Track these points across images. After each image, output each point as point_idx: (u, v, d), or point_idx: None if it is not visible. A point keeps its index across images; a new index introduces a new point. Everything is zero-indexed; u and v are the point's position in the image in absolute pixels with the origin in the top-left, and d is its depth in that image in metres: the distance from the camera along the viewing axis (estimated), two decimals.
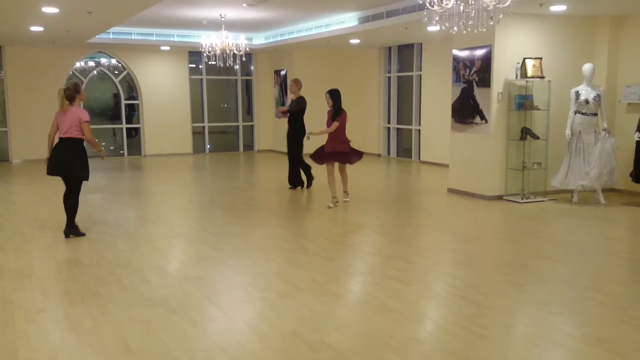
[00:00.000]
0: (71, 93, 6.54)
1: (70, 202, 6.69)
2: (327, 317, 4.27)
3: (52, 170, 6.62)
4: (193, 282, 5.11)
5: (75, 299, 4.70)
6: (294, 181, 10.16)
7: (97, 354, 3.69)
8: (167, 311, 4.40)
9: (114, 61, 15.61)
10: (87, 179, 6.69)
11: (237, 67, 16.73)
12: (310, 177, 10.13)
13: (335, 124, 8.31)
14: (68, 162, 6.54)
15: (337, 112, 8.42)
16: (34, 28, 10.97)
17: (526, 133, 8.77)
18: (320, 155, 8.54)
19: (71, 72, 15.12)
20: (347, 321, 4.23)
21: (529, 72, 8.54)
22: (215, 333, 4.01)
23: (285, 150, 10.36)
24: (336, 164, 8.60)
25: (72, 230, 6.76)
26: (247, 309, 4.50)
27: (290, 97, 10.38)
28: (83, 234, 6.81)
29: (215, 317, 4.29)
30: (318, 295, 4.74)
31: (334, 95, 8.50)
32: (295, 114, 9.87)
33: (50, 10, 8.85)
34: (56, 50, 14.49)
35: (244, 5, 10.13)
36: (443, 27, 5.86)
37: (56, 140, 6.64)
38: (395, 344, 3.76)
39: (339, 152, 8.42)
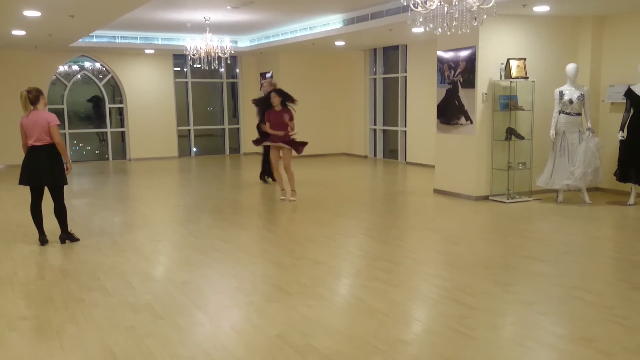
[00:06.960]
0: (36, 94, 6.38)
1: (60, 210, 6.58)
2: (313, 320, 4.24)
3: (26, 180, 6.45)
4: (178, 286, 5.07)
5: (59, 305, 4.64)
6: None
7: None
8: (152, 317, 4.35)
9: (97, 65, 15.49)
10: (67, 183, 6.60)
11: (222, 69, 16.68)
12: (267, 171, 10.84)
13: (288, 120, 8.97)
14: (47, 171, 6.37)
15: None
16: (15, 32, 10.85)
17: (511, 133, 8.81)
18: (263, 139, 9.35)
19: (55, 77, 14.99)
20: (334, 324, 4.20)
21: (513, 73, 8.58)
22: (200, 338, 3.97)
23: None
24: (281, 161, 9.14)
25: (67, 235, 6.68)
26: (233, 314, 4.46)
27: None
28: (77, 239, 6.72)
29: (201, 322, 4.25)
30: (304, 298, 4.71)
31: (281, 94, 9.09)
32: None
33: (32, 13, 8.76)
34: (39, 55, 14.33)
35: (228, 7, 10.09)
36: (427, 29, 5.87)
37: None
38: (382, 347, 3.75)
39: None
